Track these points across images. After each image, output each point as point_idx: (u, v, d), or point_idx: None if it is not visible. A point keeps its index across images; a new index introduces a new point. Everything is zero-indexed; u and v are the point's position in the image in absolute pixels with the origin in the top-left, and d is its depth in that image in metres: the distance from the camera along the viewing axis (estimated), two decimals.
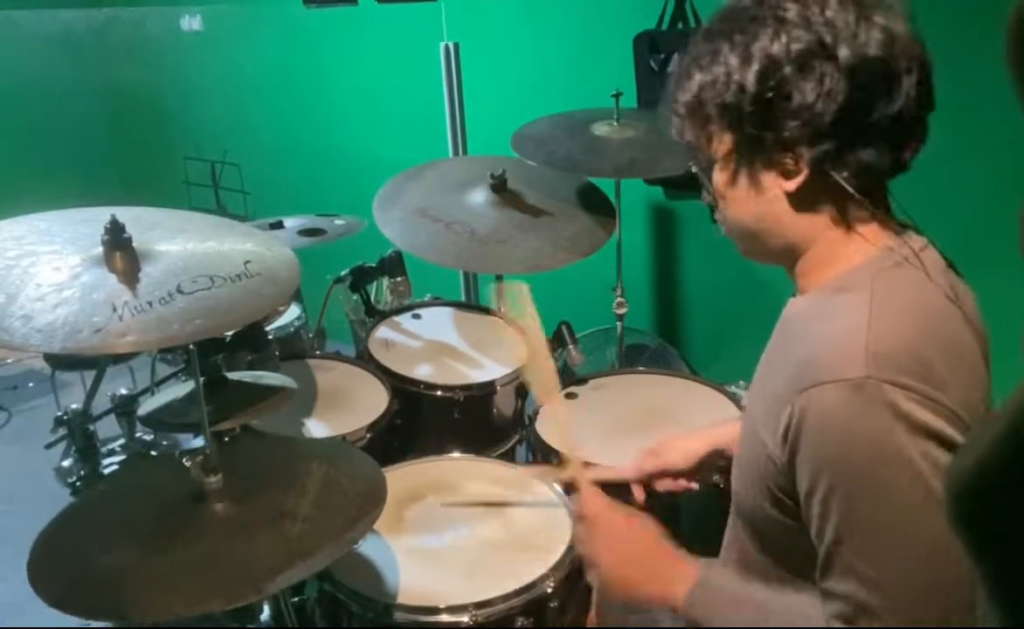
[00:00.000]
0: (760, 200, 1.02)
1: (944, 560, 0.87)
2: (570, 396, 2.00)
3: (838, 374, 0.90)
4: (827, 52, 0.93)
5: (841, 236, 1.01)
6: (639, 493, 1.50)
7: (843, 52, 0.92)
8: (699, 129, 1.04)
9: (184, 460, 1.31)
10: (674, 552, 1.14)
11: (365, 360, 2.07)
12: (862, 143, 0.95)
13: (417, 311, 2.28)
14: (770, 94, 0.95)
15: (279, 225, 2.40)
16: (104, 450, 2.03)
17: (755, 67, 0.95)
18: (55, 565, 1.22)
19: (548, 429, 1.81)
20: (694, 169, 1.09)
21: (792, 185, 0.99)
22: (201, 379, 1.39)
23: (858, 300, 0.96)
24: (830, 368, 0.91)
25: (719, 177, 1.05)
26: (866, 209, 1.00)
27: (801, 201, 1.00)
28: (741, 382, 1.99)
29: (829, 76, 0.92)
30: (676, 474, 1.47)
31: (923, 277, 0.98)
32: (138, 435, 2.13)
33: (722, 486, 1.59)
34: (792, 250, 1.05)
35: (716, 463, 1.46)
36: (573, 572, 1.43)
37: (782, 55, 0.94)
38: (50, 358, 2.19)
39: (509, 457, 1.97)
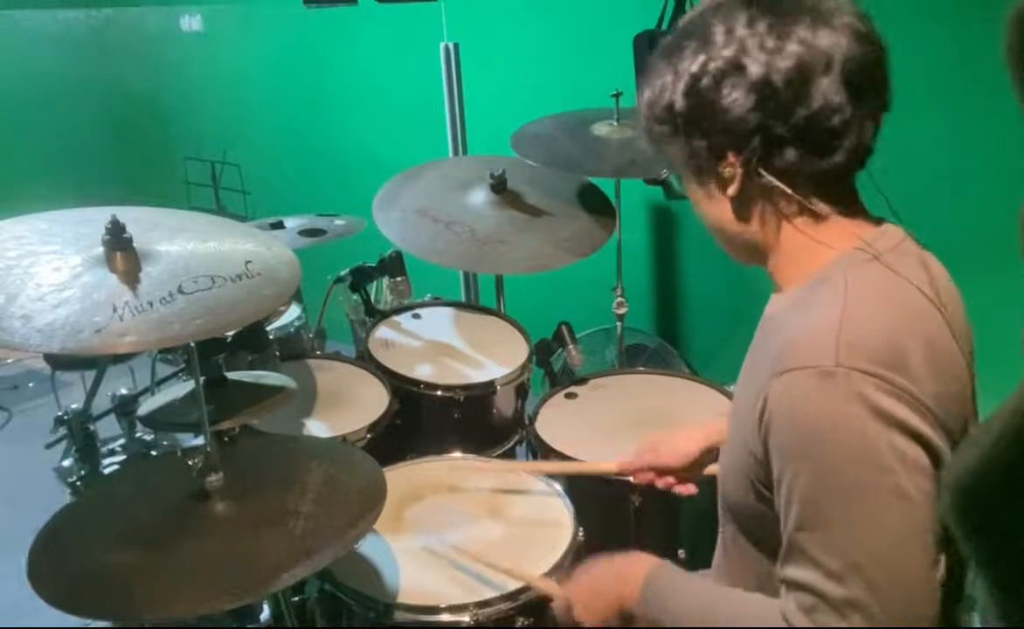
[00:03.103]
0: (714, 206, 1.08)
1: (908, 551, 0.88)
2: (570, 396, 2.00)
3: (808, 361, 0.92)
4: (738, 67, 0.99)
5: (795, 238, 1.05)
6: (646, 480, 1.50)
7: (753, 67, 0.98)
8: (654, 142, 1.12)
9: (187, 461, 1.31)
10: (624, 566, 1.19)
11: (365, 360, 2.07)
12: (782, 145, 1.00)
13: (417, 311, 2.28)
14: (694, 108, 1.02)
15: (279, 225, 2.40)
16: (104, 450, 2.04)
17: (681, 85, 1.03)
18: (55, 564, 1.22)
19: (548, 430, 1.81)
20: (664, 174, 1.17)
21: (732, 191, 1.04)
22: (201, 379, 1.39)
23: (833, 292, 0.98)
24: (801, 355, 0.93)
25: (685, 184, 1.13)
26: (810, 208, 1.03)
27: (745, 207, 1.06)
28: None
29: (740, 89, 0.98)
30: (668, 472, 1.47)
31: (898, 273, 1.00)
32: (138, 435, 2.13)
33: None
34: (757, 250, 1.09)
35: (708, 461, 1.46)
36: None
37: (700, 73, 1.01)
38: (50, 358, 2.18)
39: (509, 457, 1.97)
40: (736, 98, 0.99)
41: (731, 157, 1.02)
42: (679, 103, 1.03)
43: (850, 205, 1.05)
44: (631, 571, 1.16)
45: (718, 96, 1.00)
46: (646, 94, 1.09)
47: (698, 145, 1.04)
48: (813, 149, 1.00)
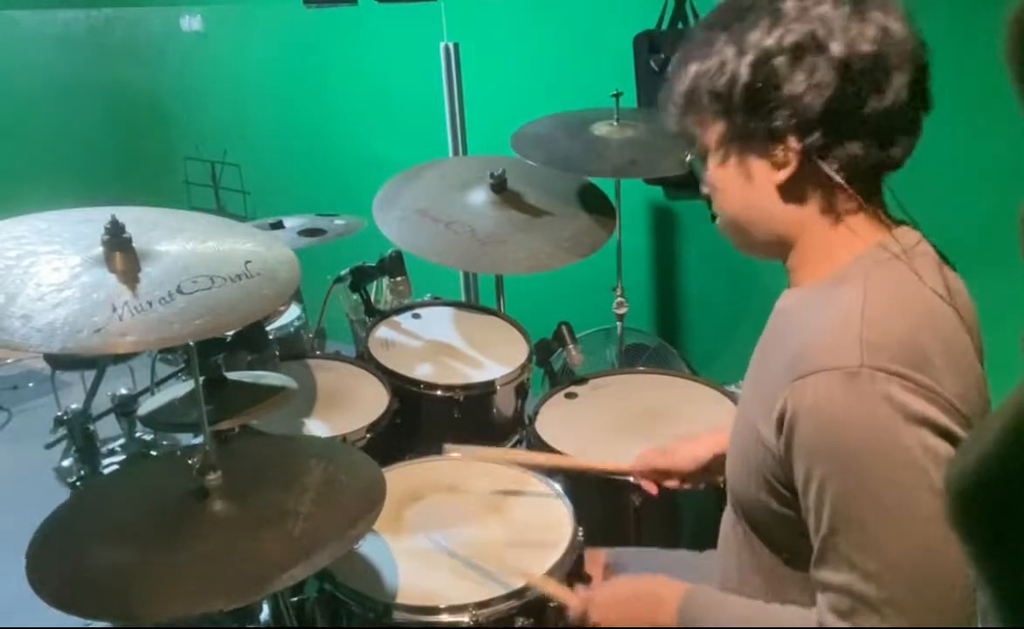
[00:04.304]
0: (751, 191, 1.03)
1: (943, 549, 0.88)
2: (570, 396, 2.00)
3: (832, 363, 0.91)
4: (819, 45, 0.94)
5: (831, 230, 1.02)
6: (650, 488, 1.51)
7: (835, 46, 0.93)
8: (694, 118, 1.05)
9: (186, 459, 1.31)
10: (660, 580, 1.17)
11: (365, 360, 2.07)
12: (850, 136, 0.96)
13: (417, 311, 2.28)
14: (760, 84, 0.96)
15: (279, 225, 2.40)
16: (104, 450, 2.04)
17: (748, 58, 0.96)
18: (53, 563, 1.21)
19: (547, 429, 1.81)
20: (688, 158, 1.11)
21: (782, 176, 1.00)
22: (201, 379, 1.39)
23: (852, 291, 0.96)
24: (824, 357, 0.92)
25: (713, 167, 1.07)
26: (856, 202, 1.00)
27: (790, 193, 1.01)
28: (741, 382, 1.99)
29: (820, 69, 0.93)
30: (681, 476, 1.47)
31: (915, 273, 0.98)
32: (138, 435, 2.13)
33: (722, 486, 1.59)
34: (783, 243, 1.06)
35: (720, 466, 1.46)
36: (573, 572, 1.43)
37: (775, 47, 0.95)
38: (50, 358, 2.18)
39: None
40: (813, 80, 0.93)
41: (791, 142, 0.97)
42: (744, 78, 0.96)
43: (878, 203, 1.04)
44: (664, 594, 1.14)
45: (792, 76, 0.94)
46: (693, 67, 1.01)
47: (755, 126, 0.98)
48: (878, 143, 0.97)
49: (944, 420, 0.90)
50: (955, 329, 0.98)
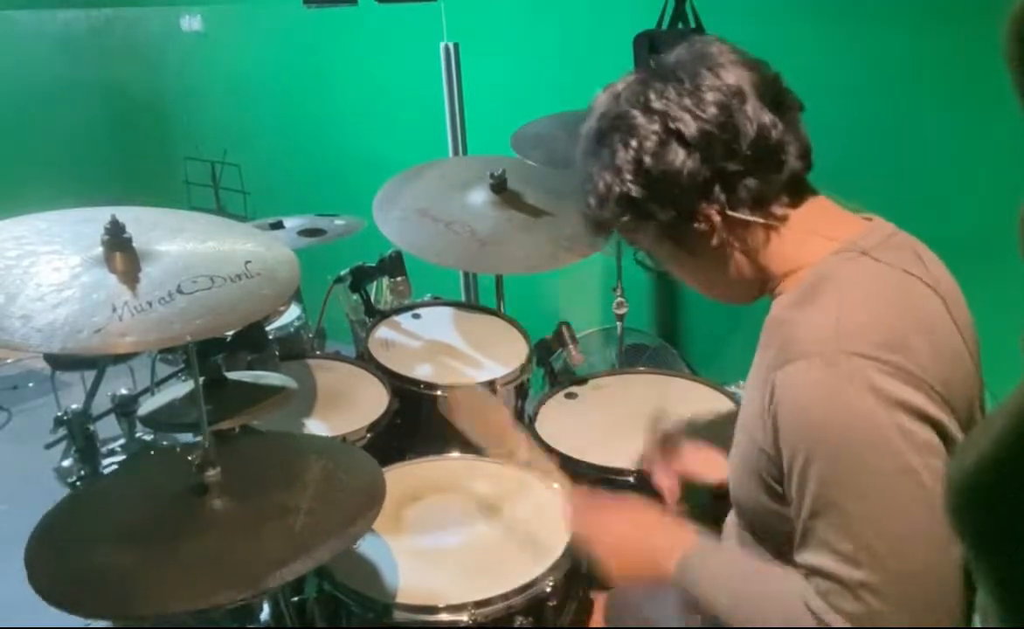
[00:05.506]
0: (702, 264, 1.12)
1: (923, 533, 0.88)
2: (570, 396, 2.00)
3: (810, 351, 0.94)
4: (673, 132, 1.03)
5: (785, 253, 1.08)
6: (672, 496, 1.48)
7: (685, 127, 1.02)
8: (622, 235, 1.15)
9: (187, 456, 1.31)
10: (662, 525, 1.18)
11: (365, 360, 2.07)
12: (740, 178, 1.04)
13: (417, 311, 2.28)
14: (648, 186, 1.05)
15: (279, 225, 2.40)
16: (104, 450, 2.04)
17: (626, 173, 1.06)
18: (52, 561, 1.21)
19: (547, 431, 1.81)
20: (645, 259, 1.20)
21: (715, 240, 1.07)
22: (201, 379, 1.39)
23: (830, 285, 1.00)
24: (803, 346, 0.95)
25: (666, 264, 1.17)
26: (782, 222, 1.07)
27: (731, 248, 1.09)
28: (741, 382, 1.99)
29: (682, 149, 1.03)
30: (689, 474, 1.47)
31: (890, 264, 1.02)
32: (138, 435, 2.13)
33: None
34: (758, 283, 1.12)
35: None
36: (572, 571, 1.43)
37: (639, 153, 1.05)
38: (50, 358, 2.18)
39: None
40: (683, 159, 1.03)
41: (704, 209, 1.05)
42: (633, 190, 1.06)
43: (823, 207, 1.09)
44: (668, 544, 1.13)
45: (666, 165, 1.03)
46: (592, 201, 1.12)
47: (667, 215, 1.07)
48: (768, 168, 1.04)
49: (922, 403, 0.91)
50: (937, 312, 1.01)
